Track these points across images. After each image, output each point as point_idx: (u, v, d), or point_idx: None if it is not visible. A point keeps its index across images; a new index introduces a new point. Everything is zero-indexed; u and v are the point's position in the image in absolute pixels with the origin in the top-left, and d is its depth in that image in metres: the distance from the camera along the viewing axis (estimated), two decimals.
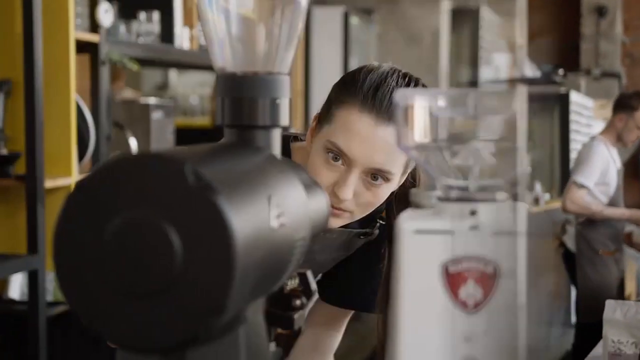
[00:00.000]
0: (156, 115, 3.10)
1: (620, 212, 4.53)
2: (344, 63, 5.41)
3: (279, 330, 1.01)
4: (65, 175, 2.56)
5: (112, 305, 0.65)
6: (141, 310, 0.64)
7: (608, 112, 8.44)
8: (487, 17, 7.53)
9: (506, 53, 5.43)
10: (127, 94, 3.64)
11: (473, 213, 0.72)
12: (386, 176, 1.27)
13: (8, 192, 2.54)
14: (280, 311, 0.92)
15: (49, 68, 2.49)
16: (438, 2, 5.65)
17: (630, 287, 4.91)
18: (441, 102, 0.74)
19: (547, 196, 6.35)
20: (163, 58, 3.14)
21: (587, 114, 7.63)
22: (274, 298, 0.93)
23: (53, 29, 2.52)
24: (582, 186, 4.32)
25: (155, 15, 3.07)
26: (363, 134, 1.25)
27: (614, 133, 4.46)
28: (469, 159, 0.74)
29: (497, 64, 5.40)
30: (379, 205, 1.32)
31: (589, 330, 4.32)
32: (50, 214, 2.47)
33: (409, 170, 1.35)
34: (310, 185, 0.91)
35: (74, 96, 2.55)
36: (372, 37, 5.67)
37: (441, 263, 0.71)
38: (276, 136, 0.86)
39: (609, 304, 2.04)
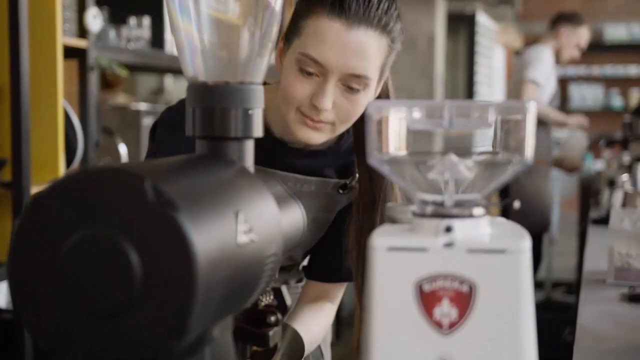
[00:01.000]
0: (147, 121, 3.07)
1: (566, 118, 4.72)
2: None
3: (255, 347, 0.99)
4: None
5: (68, 324, 0.62)
6: (98, 330, 0.61)
7: (509, 37, 8.61)
8: (483, 21, 7.52)
9: None
10: (121, 99, 3.61)
11: (448, 230, 0.69)
12: (363, 82, 1.24)
13: None
14: (254, 328, 0.89)
15: (36, 73, 2.47)
16: (433, 8, 5.62)
17: None
18: (416, 114, 0.72)
19: None
20: (153, 64, 3.11)
21: (490, 37, 7.78)
22: (247, 315, 0.90)
23: (40, 34, 2.49)
24: (534, 82, 4.38)
25: (146, 20, 3.04)
26: (335, 40, 1.21)
27: (554, 47, 4.54)
28: (444, 173, 0.72)
29: None
30: (358, 114, 1.28)
31: None
32: None
33: (384, 78, 1.32)
34: (285, 197, 0.88)
35: (61, 102, 2.52)
36: None
37: (415, 281, 0.68)
38: (249, 147, 0.83)
39: (615, 212, 1.92)
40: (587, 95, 10.24)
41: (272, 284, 0.89)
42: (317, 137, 1.28)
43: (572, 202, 6.71)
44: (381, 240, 0.69)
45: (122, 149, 2.94)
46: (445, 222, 0.70)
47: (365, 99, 1.27)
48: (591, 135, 10.13)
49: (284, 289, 0.91)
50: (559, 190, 6.07)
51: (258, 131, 0.83)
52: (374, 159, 0.72)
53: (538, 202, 4.43)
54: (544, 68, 4.40)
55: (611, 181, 3.37)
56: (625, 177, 3.16)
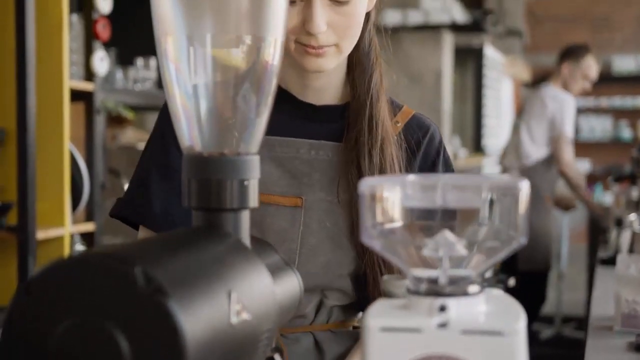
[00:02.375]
0: None
1: (589, 198, 4.78)
2: None
3: None
4: (59, 225, 2.53)
5: None
6: None
7: (517, 69, 8.65)
8: (490, 54, 7.55)
9: None
10: (129, 134, 3.63)
11: (442, 309, 0.69)
12: None
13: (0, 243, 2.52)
14: None
15: (42, 117, 2.48)
16: (440, 43, 5.64)
17: None
18: (409, 191, 0.72)
19: (464, 152, 6.39)
20: (160, 104, 3.13)
21: (498, 69, 7.81)
22: None
23: (47, 77, 2.51)
24: (571, 140, 4.45)
25: (153, 61, 3.06)
26: None
27: (562, 82, 4.54)
28: (438, 249, 0.71)
29: (426, 8, 5.42)
30: (360, 25, 1.20)
31: (527, 278, 4.32)
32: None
33: None
34: (280, 266, 0.88)
35: (67, 145, 2.53)
36: None
37: None
38: (245, 218, 0.83)
39: (622, 258, 1.89)
40: (595, 126, 10.24)
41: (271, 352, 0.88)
42: (325, 63, 1.19)
43: (582, 235, 6.68)
44: (375, 320, 0.69)
45: None
46: (439, 301, 0.69)
47: (360, 4, 1.19)
48: (597, 167, 10.13)
49: (277, 357, 0.90)
50: (568, 223, 6.05)
51: (254, 201, 0.83)
52: (366, 235, 0.72)
53: (544, 238, 4.42)
54: (572, 118, 4.46)
55: (619, 220, 3.35)
56: (633, 216, 3.14)
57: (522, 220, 0.70)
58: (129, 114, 2.80)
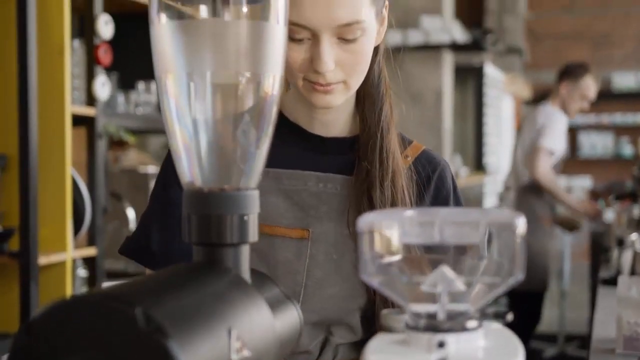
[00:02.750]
0: None
1: (576, 202, 4.70)
2: None
3: None
4: (60, 250, 2.53)
5: None
6: None
7: (517, 86, 8.68)
8: (491, 73, 7.57)
9: (436, 17, 5.47)
10: (132, 156, 3.64)
11: (441, 345, 0.69)
12: (357, 27, 1.14)
13: (1, 269, 2.52)
14: None
15: (44, 142, 2.49)
16: (440, 62, 5.67)
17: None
18: (407, 227, 0.72)
19: (465, 170, 6.39)
20: (161, 127, 3.14)
21: (499, 88, 7.83)
22: None
23: (49, 102, 2.53)
24: (550, 152, 4.38)
25: (154, 85, 3.08)
26: None
27: (560, 101, 4.54)
28: (437, 285, 0.72)
29: (426, 28, 5.44)
30: (368, 61, 1.19)
31: (523, 299, 4.31)
32: (44, 292, 2.44)
33: (383, 11, 1.23)
34: (280, 300, 0.88)
35: (69, 171, 2.54)
36: None
37: None
38: (245, 253, 0.84)
39: (622, 280, 1.89)
40: (597, 143, 10.25)
41: None
42: (333, 100, 1.19)
43: (584, 253, 6.68)
44: (374, 356, 0.69)
45: (130, 213, 2.95)
46: (438, 337, 0.70)
47: (368, 41, 1.18)
48: (599, 184, 10.14)
49: None
50: (570, 241, 6.04)
51: (254, 236, 0.84)
52: (364, 271, 0.73)
53: (540, 258, 4.42)
54: (557, 133, 4.43)
55: (620, 240, 3.35)
56: (634, 236, 3.14)
57: (519, 255, 0.70)
58: (130, 138, 2.82)
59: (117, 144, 3.50)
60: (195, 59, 0.82)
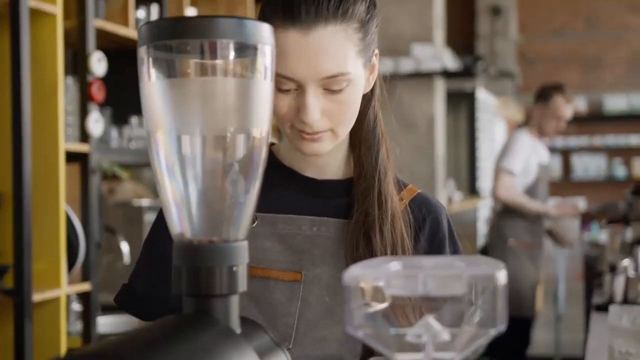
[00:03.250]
0: (150, 217, 3.10)
1: (546, 207, 4.58)
2: None
3: None
4: (55, 287, 2.54)
5: None
6: None
7: (509, 110, 8.72)
8: (483, 98, 7.62)
9: (427, 45, 5.51)
10: (127, 187, 3.65)
11: None
12: (343, 79, 1.15)
13: None
14: None
15: (38, 179, 2.51)
16: (432, 89, 5.71)
17: (540, 296, 4.81)
18: (392, 280, 0.74)
19: (459, 195, 6.41)
20: None
21: (491, 112, 7.86)
22: None
23: (43, 140, 2.54)
24: (510, 172, 4.36)
25: None
26: (295, 50, 1.13)
27: (536, 124, 4.58)
28: (422, 335, 0.74)
29: (417, 56, 5.49)
30: (356, 111, 1.20)
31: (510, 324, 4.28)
32: (38, 328, 2.45)
33: (372, 58, 1.24)
34: (270, 348, 0.90)
35: (63, 207, 2.55)
36: None
37: None
38: (234, 303, 0.85)
39: (614, 310, 1.88)
40: (590, 165, 10.30)
41: None
42: (321, 147, 1.20)
43: (580, 275, 6.69)
44: None
45: (124, 247, 2.96)
46: None
47: (355, 91, 1.19)
48: (592, 206, 10.18)
49: None
50: (565, 263, 6.06)
51: (243, 286, 0.85)
52: (349, 324, 0.74)
53: (522, 284, 4.42)
54: (517, 154, 4.44)
55: (612, 266, 3.36)
56: (626, 262, 3.16)
57: (500, 307, 0.72)
58: (123, 174, 2.84)
59: (112, 176, 3.52)
60: (184, 115, 0.84)
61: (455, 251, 1.31)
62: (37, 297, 2.45)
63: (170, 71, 0.84)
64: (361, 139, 1.29)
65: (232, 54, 0.83)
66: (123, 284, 1.32)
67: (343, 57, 1.15)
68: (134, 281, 1.30)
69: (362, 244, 1.24)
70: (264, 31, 0.84)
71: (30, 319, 2.38)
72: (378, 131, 1.29)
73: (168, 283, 1.06)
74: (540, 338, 6.76)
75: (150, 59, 0.83)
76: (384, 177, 1.26)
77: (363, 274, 0.74)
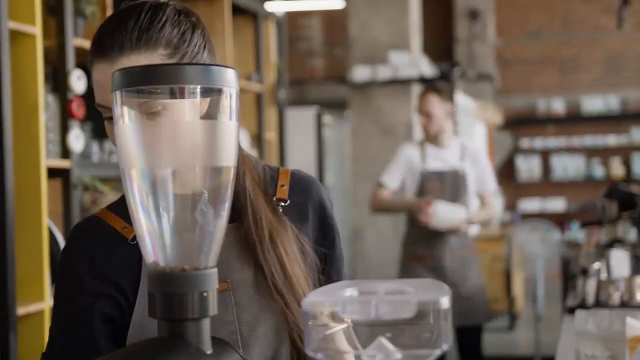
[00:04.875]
0: None
1: (408, 200, 4.25)
2: (318, 161, 5.53)
3: None
4: (38, 300, 2.60)
5: None
6: None
7: (488, 113, 8.80)
8: (462, 102, 7.72)
9: (404, 52, 5.52)
10: (110, 198, 3.70)
11: None
12: (158, 103, 1.14)
13: None
14: None
15: (20, 195, 2.56)
16: (409, 95, 5.80)
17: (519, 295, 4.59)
18: (347, 306, 0.81)
19: None
20: None
21: (470, 115, 7.95)
22: None
23: (25, 156, 2.60)
24: (380, 185, 4.23)
25: None
26: (105, 79, 1.20)
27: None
28: (376, 355, 0.81)
29: (394, 63, 5.50)
30: None
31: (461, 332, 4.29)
32: (22, 342, 2.50)
33: None
34: None
35: (45, 222, 2.61)
36: (345, 133, 5.81)
37: None
38: (205, 325, 0.92)
39: (580, 314, 1.93)
40: (568, 166, 10.43)
41: None
42: None
43: (558, 275, 6.79)
44: None
45: None
46: None
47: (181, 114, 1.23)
48: (572, 205, 10.30)
49: None
50: (543, 264, 6.15)
51: (214, 310, 0.93)
52: (308, 347, 0.81)
53: (474, 291, 4.31)
54: (391, 167, 4.26)
55: (584, 270, 3.44)
56: (597, 265, 3.23)
57: (444, 329, 0.80)
58: (104, 188, 2.90)
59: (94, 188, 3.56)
60: (156, 154, 0.91)
61: (332, 231, 1.38)
62: (21, 310, 2.51)
63: (141, 114, 0.91)
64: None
65: (199, 97, 0.90)
66: (45, 349, 1.29)
67: None
68: (55, 346, 1.27)
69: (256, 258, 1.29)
70: (228, 75, 0.92)
71: (15, 332, 2.44)
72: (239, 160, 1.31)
73: (90, 344, 1.09)
74: (521, 337, 6.87)
75: (124, 103, 0.90)
76: (255, 199, 1.30)
77: (320, 301, 0.81)
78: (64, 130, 2.78)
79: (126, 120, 0.91)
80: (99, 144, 3.10)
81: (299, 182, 1.37)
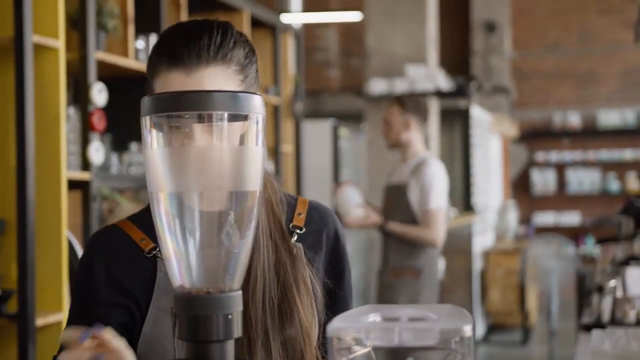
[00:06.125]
0: None
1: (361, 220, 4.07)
2: (334, 173, 5.54)
3: None
4: (57, 311, 2.63)
5: None
6: None
7: (504, 126, 8.76)
8: (477, 114, 7.72)
9: (421, 65, 5.53)
10: (126, 208, 3.72)
11: None
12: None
13: (0, 331, 2.61)
14: None
15: (41, 207, 2.59)
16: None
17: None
18: (370, 333, 0.83)
19: (454, 211, 6.47)
20: None
21: (486, 128, 7.94)
22: None
23: (46, 168, 2.63)
24: None
25: None
26: (178, 87, 1.21)
27: None
28: None
29: (411, 76, 5.50)
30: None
31: None
32: (41, 352, 2.53)
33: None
34: None
35: (65, 233, 2.64)
36: (361, 145, 5.81)
37: None
38: (230, 347, 0.94)
39: (596, 334, 1.95)
40: (584, 179, 10.38)
41: None
42: None
43: (572, 290, 6.77)
44: None
45: None
46: None
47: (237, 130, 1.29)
48: (587, 219, 10.26)
49: None
50: (557, 279, 6.14)
51: (238, 332, 0.94)
52: None
53: None
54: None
55: (600, 287, 3.43)
56: (613, 282, 3.22)
57: (467, 356, 0.81)
58: (123, 201, 2.92)
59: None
60: (183, 178, 0.93)
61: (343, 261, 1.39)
62: (40, 321, 2.53)
63: (170, 139, 0.93)
64: None
65: (226, 124, 0.92)
66: (58, 350, 1.27)
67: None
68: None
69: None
70: (255, 102, 0.93)
71: (33, 343, 2.46)
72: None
73: None
74: (533, 352, 6.84)
75: (153, 129, 0.92)
76: (267, 223, 1.31)
77: (344, 327, 0.83)
78: (85, 142, 2.81)
79: (154, 145, 0.93)
80: (118, 156, 3.13)
81: (316, 212, 1.39)
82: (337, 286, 1.37)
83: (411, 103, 4.19)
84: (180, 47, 1.22)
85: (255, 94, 0.94)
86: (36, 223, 2.55)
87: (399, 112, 4.11)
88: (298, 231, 1.34)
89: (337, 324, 0.83)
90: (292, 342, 1.26)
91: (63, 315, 2.64)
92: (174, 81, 1.22)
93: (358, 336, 0.82)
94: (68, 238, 2.68)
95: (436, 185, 3.98)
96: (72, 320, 1.31)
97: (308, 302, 1.29)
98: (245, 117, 0.94)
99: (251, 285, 1.27)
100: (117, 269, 1.29)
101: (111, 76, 3.08)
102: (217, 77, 1.23)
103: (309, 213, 1.38)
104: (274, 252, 1.30)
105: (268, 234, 1.31)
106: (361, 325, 0.83)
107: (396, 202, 4.05)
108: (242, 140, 0.94)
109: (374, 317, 0.85)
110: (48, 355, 2.62)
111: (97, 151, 2.80)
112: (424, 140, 4.24)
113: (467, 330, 0.80)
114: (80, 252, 2.73)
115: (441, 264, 4.30)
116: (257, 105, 0.94)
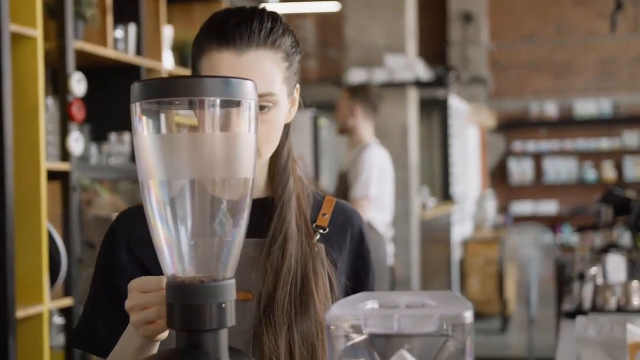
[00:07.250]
0: None
1: None
2: (314, 163, 5.53)
3: None
4: (37, 303, 2.60)
5: None
6: None
7: (481, 116, 8.82)
8: (455, 104, 7.74)
9: (400, 55, 5.56)
10: (105, 199, 3.69)
11: None
12: (270, 98, 1.24)
13: None
14: None
15: (20, 198, 2.56)
16: (405, 98, 5.80)
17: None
18: (369, 319, 0.81)
19: (433, 201, 6.49)
20: (133, 177, 3.22)
21: (463, 118, 8.00)
22: None
23: (25, 159, 2.59)
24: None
25: (126, 136, 3.16)
26: (228, 67, 1.23)
27: None
28: None
29: (390, 66, 5.54)
30: (279, 133, 1.28)
31: None
32: (22, 344, 2.50)
33: (294, 89, 1.32)
34: None
35: (45, 224, 2.60)
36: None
37: None
38: (223, 336, 0.93)
39: (581, 320, 1.94)
40: (561, 169, 10.45)
41: None
42: None
43: (551, 278, 6.81)
44: None
45: None
46: None
47: (279, 114, 1.27)
48: (564, 208, 10.33)
49: None
50: (537, 266, 6.17)
51: (232, 320, 0.93)
52: (332, 358, 0.82)
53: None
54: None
55: (581, 274, 3.45)
56: (594, 270, 3.24)
57: (468, 341, 0.80)
58: (103, 192, 2.89)
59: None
60: (174, 166, 0.91)
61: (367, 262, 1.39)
62: (20, 313, 2.50)
63: (160, 126, 0.91)
64: (275, 168, 1.34)
65: (218, 110, 0.90)
66: (78, 324, 1.33)
67: (271, 78, 1.25)
68: (94, 326, 1.30)
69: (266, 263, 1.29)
70: (248, 87, 0.92)
71: (14, 335, 2.43)
72: (289, 165, 1.35)
73: (125, 318, 1.10)
74: (512, 340, 6.88)
75: (143, 115, 0.90)
76: (287, 205, 1.31)
77: (343, 314, 0.82)
78: (64, 132, 2.77)
79: (144, 132, 0.91)
80: (97, 147, 3.09)
81: (341, 212, 1.39)
82: (362, 286, 1.37)
83: (359, 92, 4.22)
84: (233, 28, 1.24)
85: (244, 79, 0.92)
86: (15, 214, 2.51)
87: (347, 99, 4.17)
88: (321, 231, 1.34)
89: (336, 311, 0.82)
90: (306, 333, 1.25)
91: (44, 307, 2.61)
92: (224, 61, 1.23)
93: (356, 323, 0.81)
94: (48, 229, 2.65)
95: (365, 173, 3.99)
96: (95, 289, 1.32)
97: (323, 296, 1.29)
98: (237, 103, 0.92)
99: (284, 272, 1.27)
100: (137, 247, 1.29)
101: (90, 66, 3.04)
102: (266, 60, 1.24)
103: (333, 214, 1.38)
104: (300, 246, 1.30)
105: (295, 226, 1.31)
106: (360, 312, 0.81)
107: (342, 189, 4.09)
108: (234, 126, 0.93)
109: (372, 304, 0.84)
110: (28, 348, 2.60)
111: (76, 141, 2.77)
112: (372, 129, 4.26)
113: (468, 316, 0.79)
114: (60, 243, 2.71)
115: (390, 249, 4.29)
116: (249, 91, 0.92)
